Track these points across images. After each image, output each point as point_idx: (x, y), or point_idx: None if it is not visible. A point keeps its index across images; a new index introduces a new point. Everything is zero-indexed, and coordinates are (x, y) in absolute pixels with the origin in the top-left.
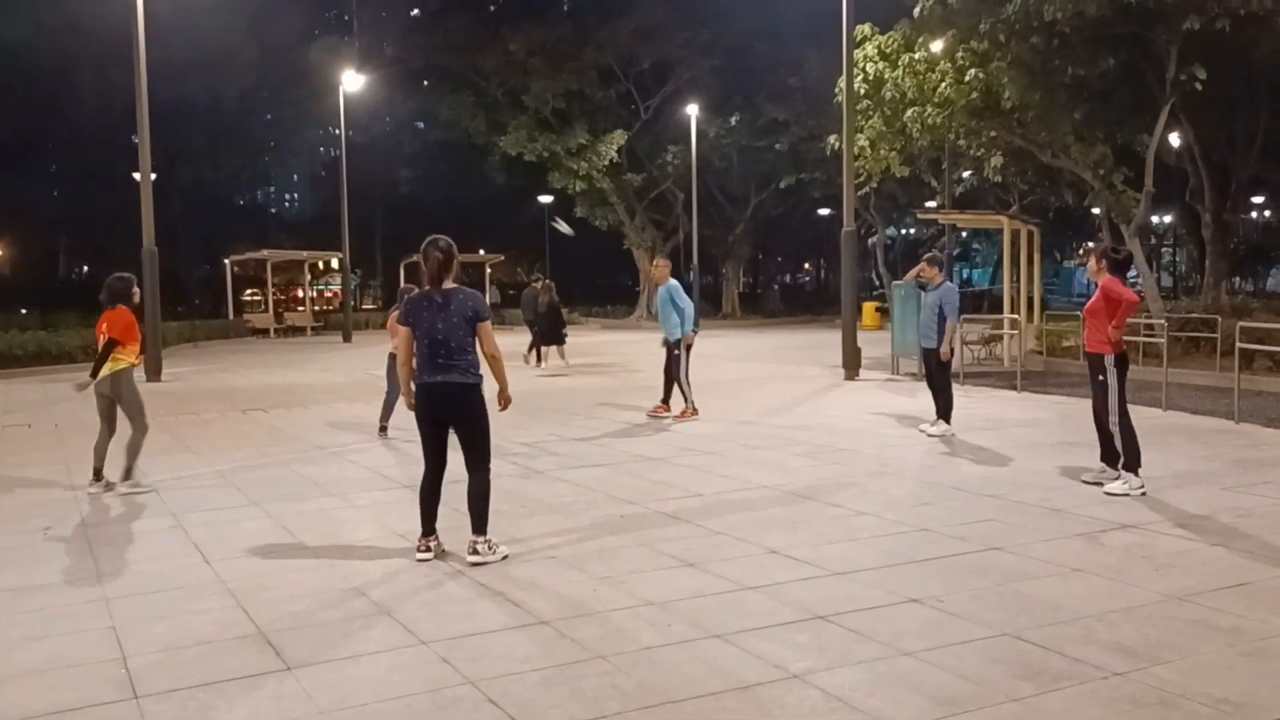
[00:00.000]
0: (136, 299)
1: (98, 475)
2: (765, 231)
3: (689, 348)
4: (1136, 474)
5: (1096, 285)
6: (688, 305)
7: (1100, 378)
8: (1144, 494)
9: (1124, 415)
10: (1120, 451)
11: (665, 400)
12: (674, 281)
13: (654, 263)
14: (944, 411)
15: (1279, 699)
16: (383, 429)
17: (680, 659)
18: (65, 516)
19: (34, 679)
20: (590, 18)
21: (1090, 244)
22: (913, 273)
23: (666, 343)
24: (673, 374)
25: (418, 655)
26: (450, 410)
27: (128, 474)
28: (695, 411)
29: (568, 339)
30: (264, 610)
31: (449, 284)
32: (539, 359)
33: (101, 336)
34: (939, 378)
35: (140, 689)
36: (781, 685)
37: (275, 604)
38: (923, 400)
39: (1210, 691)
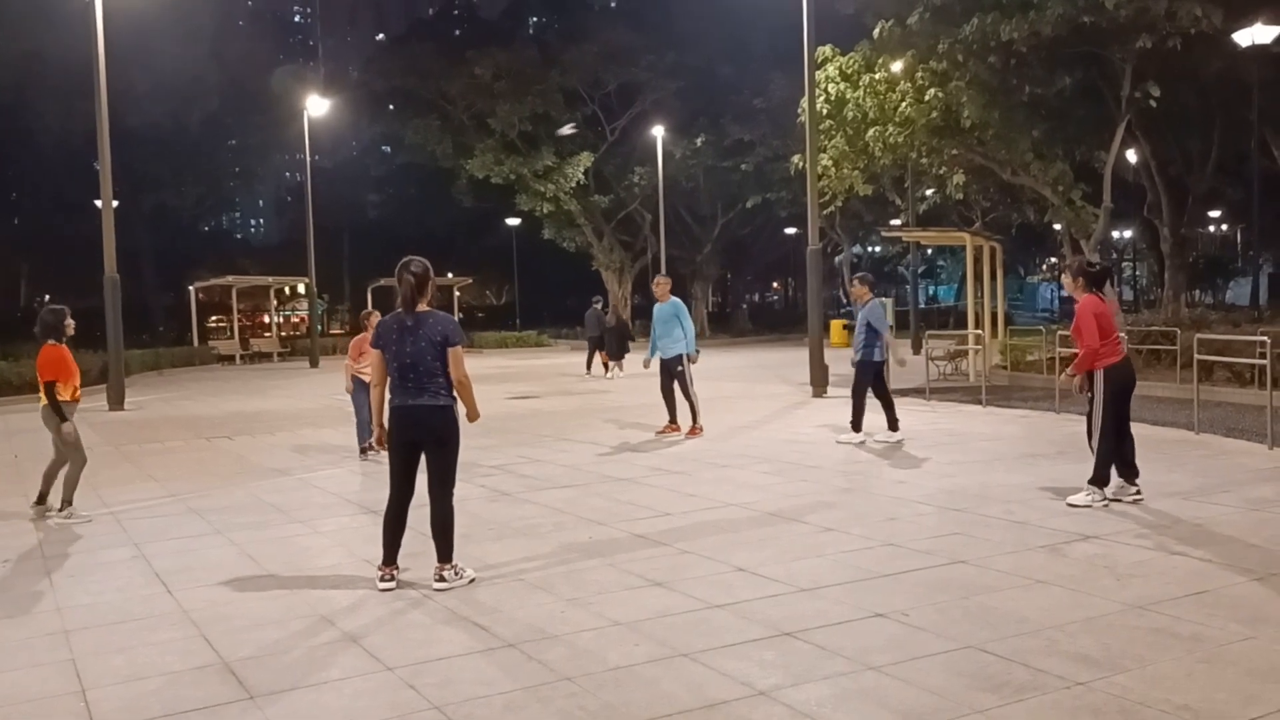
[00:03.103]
0: (70, 331)
1: (41, 499)
2: (733, 251)
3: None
4: (1101, 488)
5: (1075, 301)
6: (689, 324)
7: (1089, 393)
8: (1106, 506)
9: (1105, 432)
10: (1110, 461)
11: (673, 420)
12: (677, 299)
13: (654, 280)
14: (855, 422)
15: (1237, 705)
16: (363, 450)
17: (647, 679)
18: (24, 548)
19: None
20: (555, 41)
21: (1053, 259)
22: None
23: (664, 361)
24: (685, 392)
25: (383, 681)
26: (422, 432)
27: (64, 504)
28: (695, 429)
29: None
30: (227, 640)
31: (422, 307)
32: (605, 368)
33: (41, 380)
34: (858, 387)
35: None
36: (748, 702)
37: (239, 633)
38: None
39: (1170, 699)
